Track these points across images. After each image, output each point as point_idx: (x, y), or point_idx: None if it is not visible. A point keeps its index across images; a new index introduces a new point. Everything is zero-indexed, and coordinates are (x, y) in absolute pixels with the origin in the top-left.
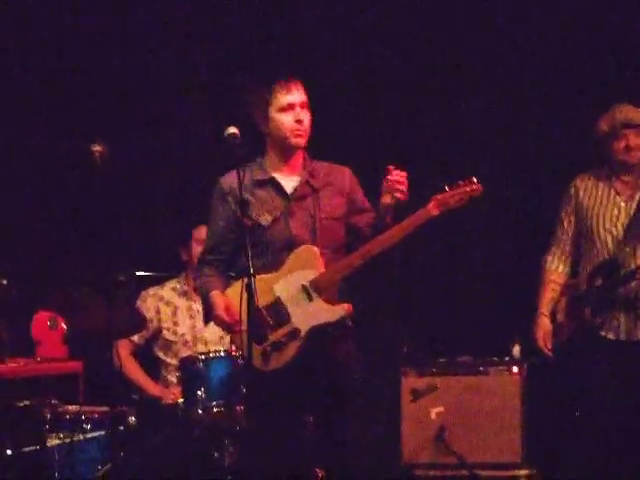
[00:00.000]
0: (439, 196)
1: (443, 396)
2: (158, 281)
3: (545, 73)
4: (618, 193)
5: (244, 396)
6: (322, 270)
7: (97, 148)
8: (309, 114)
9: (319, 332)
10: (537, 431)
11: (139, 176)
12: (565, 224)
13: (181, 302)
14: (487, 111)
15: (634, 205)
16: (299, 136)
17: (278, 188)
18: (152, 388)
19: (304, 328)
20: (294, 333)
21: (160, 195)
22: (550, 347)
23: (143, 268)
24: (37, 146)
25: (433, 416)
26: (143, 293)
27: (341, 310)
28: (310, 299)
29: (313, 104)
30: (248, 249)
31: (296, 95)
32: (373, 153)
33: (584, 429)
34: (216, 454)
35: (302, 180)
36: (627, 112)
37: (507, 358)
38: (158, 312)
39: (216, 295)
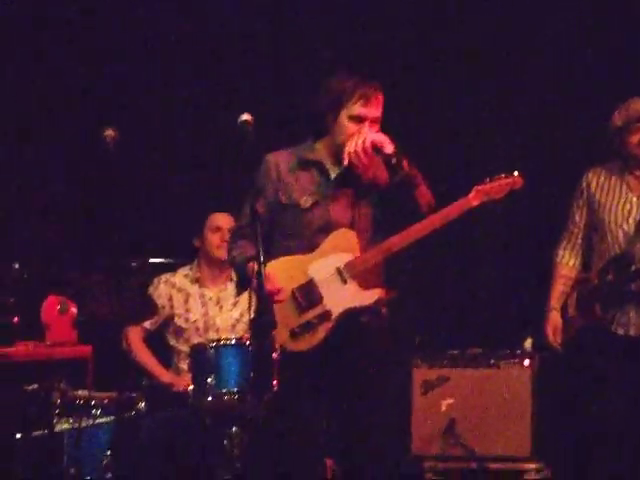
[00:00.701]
0: (480, 187)
1: (454, 388)
2: (170, 268)
3: (558, 67)
4: (630, 189)
5: (254, 383)
6: (358, 254)
7: (109, 133)
8: (377, 127)
9: (351, 315)
10: (547, 425)
11: (153, 162)
12: (577, 217)
13: (193, 289)
14: (499, 106)
15: None
16: (353, 150)
17: (323, 171)
18: (163, 375)
19: (336, 310)
20: (325, 315)
21: (174, 181)
22: (560, 342)
23: (156, 255)
24: (51, 131)
25: (443, 408)
26: (155, 280)
27: (374, 295)
28: (344, 282)
29: None
30: (258, 237)
31: (372, 109)
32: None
33: (594, 424)
34: (226, 442)
35: (347, 168)
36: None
37: (518, 351)
38: (170, 299)
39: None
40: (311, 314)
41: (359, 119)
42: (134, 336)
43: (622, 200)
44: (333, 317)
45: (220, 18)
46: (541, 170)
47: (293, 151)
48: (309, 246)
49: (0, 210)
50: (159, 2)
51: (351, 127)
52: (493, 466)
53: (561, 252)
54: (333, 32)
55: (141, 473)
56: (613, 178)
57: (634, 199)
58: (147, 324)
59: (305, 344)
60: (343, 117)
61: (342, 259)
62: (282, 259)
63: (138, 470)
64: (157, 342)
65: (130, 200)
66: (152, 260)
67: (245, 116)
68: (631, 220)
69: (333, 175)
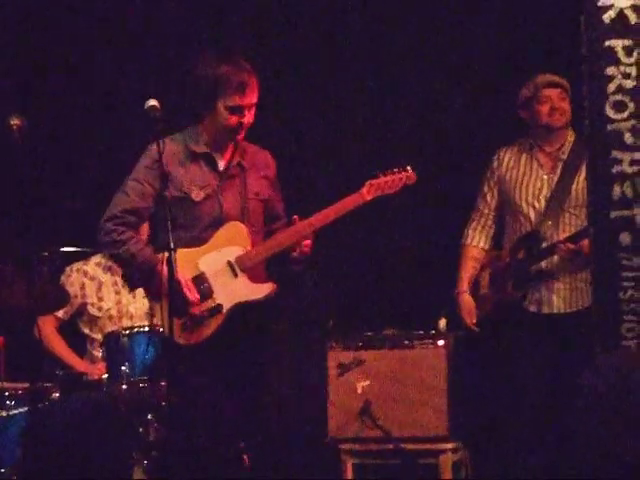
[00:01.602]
0: (373, 181)
1: (369, 370)
2: (83, 256)
3: (469, 47)
4: (541, 165)
5: (166, 371)
6: (249, 248)
7: (15, 122)
8: (253, 112)
9: (241, 309)
10: (463, 404)
11: (60, 149)
12: (488, 197)
13: (106, 277)
14: (413, 84)
15: (556, 177)
16: (239, 134)
17: (212, 164)
18: (77, 364)
19: (227, 304)
20: (216, 308)
21: (82, 168)
22: (475, 322)
23: (67, 243)
24: None
25: (359, 390)
26: (67, 269)
27: (266, 289)
28: (235, 275)
29: None
30: (168, 222)
31: (248, 97)
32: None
33: (509, 401)
34: (141, 429)
35: (233, 159)
36: (549, 75)
37: (433, 331)
38: (83, 287)
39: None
40: (201, 307)
41: (238, 109)
42: (47, 326)
43: (533, 178)
44: (224, 311)
45: None
46: (451, 149)
47: (179, 140)
48: (199, 239)
49: None
50: None
51: (231, 118)
52: (410, 447)
53: (471, 232)
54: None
55: (54, 463)
56: (523, 156)
57: (544, 176)
58: (60, 313)
59: (196, 337)
60: (220, 107)
61: (233, 252)
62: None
63: (51, 460)
64: (69, 331)
65: (40, 188)
66: (64, 249)
67: (152, 102)
68: (542, 197)
69: (221, 166)
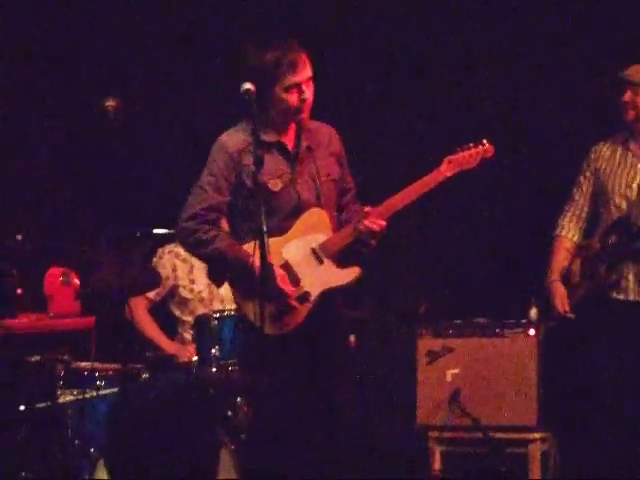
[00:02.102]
0: (451, 157)
1: (459, 358)
2: (174, 238)
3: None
4: (635, 155)
5: (253, 358)
6: (331, 233)
7: (111, 103)
8: (312, 83)
9: (330, 295)
10: (553, 394)
11: (157, 132)
12: (584, 188)
13: (197, 260)
14: (508, 76)
15: None
16: (303, 113)
17: (284, 152)
18: (168, 346)
19: (315, 291)
20: (304, 296)
21: (177, 153)
22: (568, 309)
23: (159, 225)
24: (52, 101)
25: (448, 378)
26: (159, 250)
27: (353, 273)
28: (320, 262)
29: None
30: (261, 207)
31: (302, 72)
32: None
33: (599, 393)
34: (229, 412)
35: (301, 142)
36: (628, 69)
37: (523, 320)
38: (175, 269)
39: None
40: (290, 297)
41: (295, 87)
42: (138, 307)
43: (627, 167)
44: (312, 298)
45: None
46: (547, 140)
47: (247, 131)
48: (280, 228)
49: (1, 181)
50: None
51: (291, 98)
52: (498, 435)
53: (565, 224)
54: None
55: (141, 444)
56: (619, 148)
57: (638, 165)
58: (151, 295)
59: (286, 326)
60: (279, 91)
61: (316, 239)
62: (253, 243)
63: (138, 441)
64: (161, 312)
65: (133, 170)
66: (156, 231)
67: (247, 85)
68: (634, 185)
69: (292, 153)
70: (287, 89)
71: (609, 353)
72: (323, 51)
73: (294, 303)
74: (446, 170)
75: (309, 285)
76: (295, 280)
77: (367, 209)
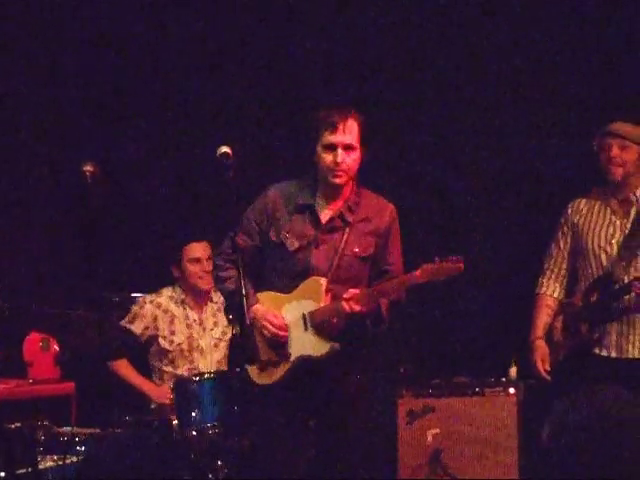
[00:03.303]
0: (427, 266)
1: (439, 418)
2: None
3: (547, 92)
4: (613, 211)
5: (242, 412)
6: (322, 303)
7: (88, 168)
8: (355, 153)
9: (306, 362)
10: (534, 453)
11: (131, 196)
12: (561, 244)
13: (178, 311)
14: (491, 123)
15: (629, 222)
16: (336, 176)
17: (314, 216)
18: (146, 386)
19: (294, 354)
20: (285, 355)
21: (150, 213)
22: (548, 369)
23: (137, 289)
24: (29, 164)
25: (429, 438)
26: (141, 299)
27: (326, 347)
28: (305, 329)
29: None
30: (242, 269)
31: (339, 136)
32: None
33: (581, 451)
34: (210, 475)
35: (337, 212)
36: (613, 124)
37: (503, 379)
38: (155, 319)
39: (259, 309)
40: (276, 352)
41: (330, 147)
42: (120, 364)
43: (605, 223)
44: (291, 359)
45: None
46: (526, 199)
47: (291, 188)
48: (289, 286)
49: None
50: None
51: (325, 157)
52: None
53: (545, 281)
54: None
55: None
56: (597, 204)
57: (617, 222)
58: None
59: (267, 378)
60: (318, 149)
61: (309, 306)
62: (266, 293)
63: None
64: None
65: (110, 235)
66: (134, 295)
67: (224, 148)
68: (614, 242)
69: (324, 219)
70: (323, 147)
71: (591, 410)
72: None
73: (275, 359)
74: (420, 277)
75: (292, 347)
76: (284, 337)
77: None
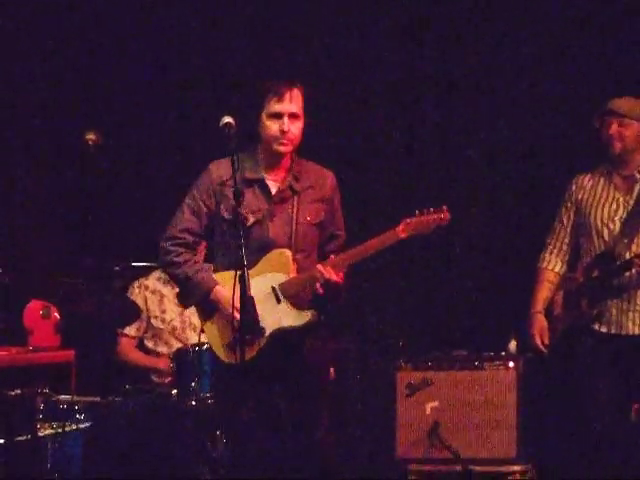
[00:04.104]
0: (408, 220)
1: (438, 391)
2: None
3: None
4: (617, 188)
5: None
6: (293, 275)
7: (91, 137)
8: (300, 122)
9: (282, 334)
10: (532, 427)
11: (132, 165)
12: (564, 220)
13: (167, 290)
14: (488, 105)
15: (632, 199)
16: (282, 144)
17: (264, 190)
18: (160, 363)
19: (268, 329)
20: (259, 331)
21: (156, 184)
22: (547, 343)
23: (138, 258)
24: (32, 134)
25: (428, 411)
26: (130, 287)
27: (304, 317)
28: (278, 301)
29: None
30: (242, 239)
31: (286, 104)
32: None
33: (579, 424)
34: (208, 445)
35: (285, 183)
36: (613, 101)
37: (503, 353)
38: (146, 302)
39: (220, 290)
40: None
41: (276, 115)
42: (127, 348)
43: (609, 200)
44: (266, 334)
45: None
46: (528, 173)
47: (234, 164)
48: (248, 262)
49: None
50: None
51: (270, 125)
52: (478, 469)
53: (547, 256)
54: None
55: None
56: (601, 180)
57: (620, 198)
58: (133, 332)
59: (239, 357)
60: (264, 117)
61: (277, 279)
62: (223, 273)
63: (114, 474)
64: None
65: (113, 204)
66: (135, 264)
67: (227, 118)
68: (617, 218)
69: (273, 191)
70: (268, 116)
71: (590, 384)
72: None
73: (247, 336)
74: (401, 232)
75: (265, 322)
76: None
77: (331, 256)
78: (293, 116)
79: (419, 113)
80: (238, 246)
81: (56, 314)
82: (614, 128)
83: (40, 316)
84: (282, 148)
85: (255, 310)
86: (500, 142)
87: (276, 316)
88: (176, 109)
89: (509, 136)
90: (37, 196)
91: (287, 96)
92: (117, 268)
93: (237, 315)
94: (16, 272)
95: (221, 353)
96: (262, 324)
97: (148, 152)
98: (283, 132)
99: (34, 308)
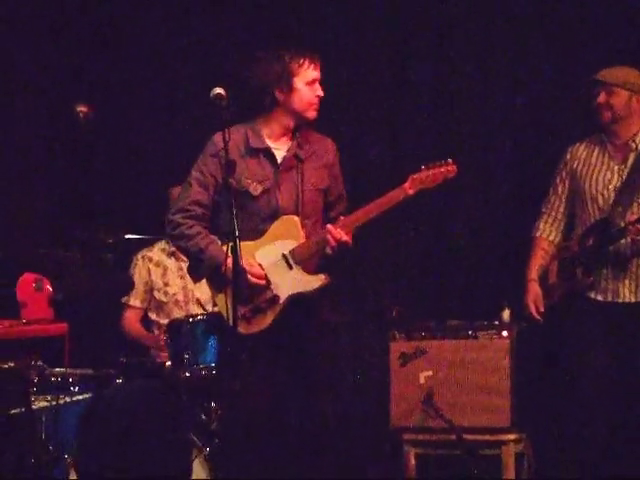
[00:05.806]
0: (415, 175)
1: (432, 360)
2: (146, 244)
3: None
4: (611, 157)
5: (228, 357)
6: (302, 241)
7: (81, 109)
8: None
9: (297, 299)
10: (527, 395)
11: (125, 138)
12: (559, 189)
13: (170, 262)
14: (482, 74)
15: (627, 167)
16: (316, 110)
17: (271, 158)
18: (152, 339)
19: (283, 295)
20: (273, 299)
21: (148, 156)
22: (541, 312)
23: (131, 231)
24: (22, 107)
25: (422, 380)
26: (134, 257)
27: (318, 280)
28: (290, 268)
29: None
30: (233, 210)
31: (319, 71)
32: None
33: (573, 393)
34: (203, 417)
35: (291, 151)
36: (601, 71)
37: (496, 322)
38: (149, 274)
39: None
40: (260, 298)
41: (313, 82)
42: (132, 320)
43: (603, 168)
44: (281, 301)
45: None
46: (521, 142)
47: (242, 132)
48: (256, 231)
49: None
50: None
51: (307, 91)
52: (472, 437)
53: (542, 225)
54: None
55: (113, 450)
56: (596, 149)
57: (615, 167)
58: (138, 304)
59: (256, 327)
60: (299, 84)
61: (287, 245)
62: (231, 244)
63: (110, 447)
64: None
65: (105, 176)
66: (128, 236)
67: (218, 90)
68: (611, 187)
69: (279, 159)
70: (308, 83)
71: (585, 352)
72: None
73: (263, 305)
74: (409, 188)
75: (278, 289)
76: (266, 283)
77: (341, 217)
78: (321, 83)
79: (413, 74)
80: (230, 217)
81: (49, 287)
82: (602, 97)
83: (33, 289)
84: (315, 114)
85: (246, 280)
86: (494, 111)
87: (290, 282)
88: (169, 80)
89: (503, 104)
90: (29, 168)
91: (318, 62)
92: (110, 241)
93: (256, 281)
94: (8, 245)
95: (239, 325)
96: (276, 292)
97: (140, 124)
98: (319, 97)
99: (27, 281)
